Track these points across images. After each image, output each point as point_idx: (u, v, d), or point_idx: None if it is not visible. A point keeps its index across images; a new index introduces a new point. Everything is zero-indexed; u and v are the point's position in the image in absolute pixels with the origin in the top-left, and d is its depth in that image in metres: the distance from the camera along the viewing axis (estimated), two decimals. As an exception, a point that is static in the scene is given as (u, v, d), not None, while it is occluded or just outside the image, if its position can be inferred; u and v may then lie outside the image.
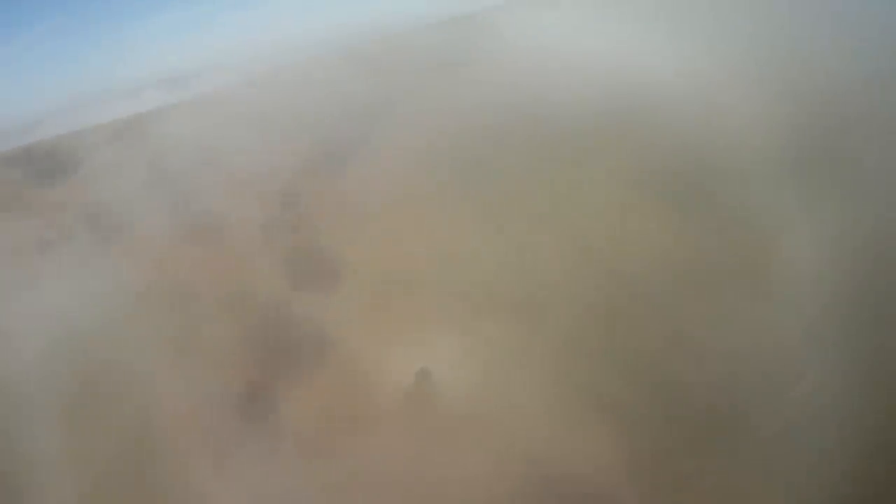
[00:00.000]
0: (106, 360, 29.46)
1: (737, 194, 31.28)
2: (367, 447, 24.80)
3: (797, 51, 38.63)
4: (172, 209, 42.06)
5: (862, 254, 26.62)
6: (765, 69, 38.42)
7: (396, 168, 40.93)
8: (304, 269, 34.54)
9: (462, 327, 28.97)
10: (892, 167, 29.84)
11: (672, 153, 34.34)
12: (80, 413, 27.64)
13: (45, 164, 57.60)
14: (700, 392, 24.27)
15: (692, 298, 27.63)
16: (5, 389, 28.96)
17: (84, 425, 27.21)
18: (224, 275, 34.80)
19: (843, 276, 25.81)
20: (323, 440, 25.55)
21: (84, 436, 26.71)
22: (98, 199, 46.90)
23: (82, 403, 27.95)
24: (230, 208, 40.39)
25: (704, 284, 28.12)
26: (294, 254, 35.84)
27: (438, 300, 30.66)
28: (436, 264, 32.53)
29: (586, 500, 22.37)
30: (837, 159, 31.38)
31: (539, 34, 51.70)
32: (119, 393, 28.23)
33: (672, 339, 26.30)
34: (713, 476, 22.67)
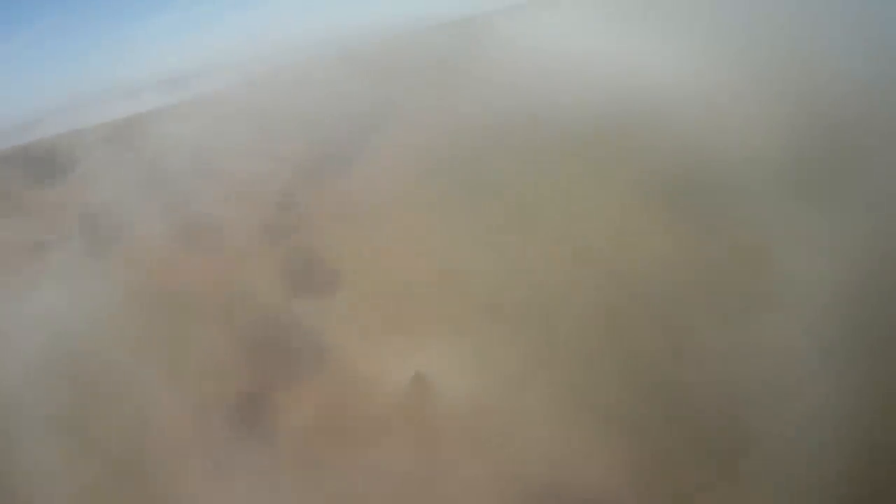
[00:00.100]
0: (99, 364, 29.13)
1: (740, 200, 31.04)
2: (365, 457, 24.51)
3: (801, 54, 38.36)
4: (170, 211, 41.70)
5: (865, 259, 26.37)
6: (768, 72, 38.16)
7: (396, 171, 40.65)
8: (301, 273, 34.24)
9: (462, 333, 28.71)
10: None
11: (675, 157, 34.07)
12: (72, 420, 27.31)
13: (43, 164, 57.23)
14: (703, 401, 24.04)
15: (695, 306, 27.41)
16: (-3, 394, 28.63)
17: (75, 432, 26.88)
18: (221, 278, 34.49)
19: (845, 280, 25.58)
20: (320, 449, 25.27)
21: (75, 443, 26.38)
22: (95, 201, 46.53)
23: (74, 410, 27.63)
24: (228, 211, 40.06)
25: (707, 291, 27.90)
26: (292, 258, 35.53)
27: (438, 306, 30.36)
28: (435, 269, 32.25)
29: (587, 511, 22.16)
30: (840, 163, 31.11)
31: (540, 38, 51.45)
32: (112, 399, 27.92)
33: (675, 347, 26.07)
34: (717, 485, 22.44)
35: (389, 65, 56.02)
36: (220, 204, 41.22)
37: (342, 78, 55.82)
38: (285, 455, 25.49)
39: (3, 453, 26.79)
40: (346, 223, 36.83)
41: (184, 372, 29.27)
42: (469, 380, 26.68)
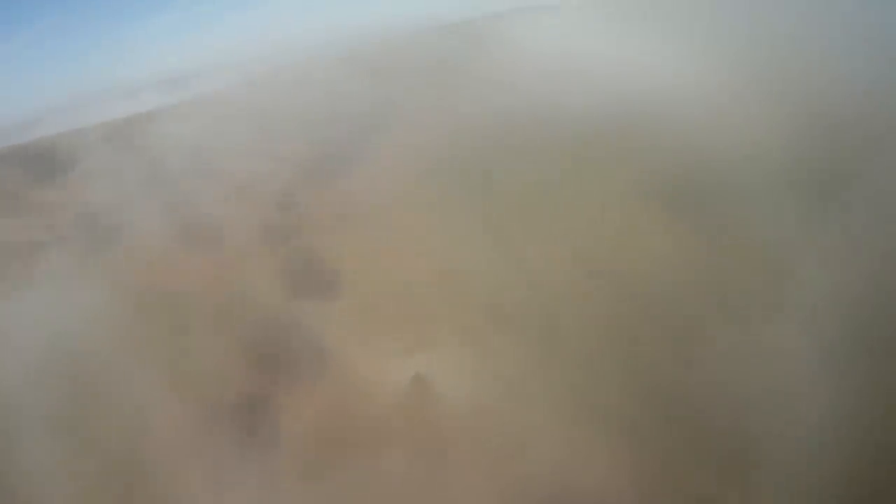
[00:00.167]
0: (97, 365, 28.84)
1: (742, 201, 30.95)
2: (365, 461, 24.30)
3: (801, 54, 38.31)
4: (170, 211, 41.50)
5: (868, 261, 26.25)
6: (768, 73, 38.14)
7: (397, 171, 40.56)
8: (302, 274, 34.04)
9: (464, 336, 28.55)
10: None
11: (676, 158, 33.98)
12: (69, 421, 27.04)
13: (43, 163, 56.94)
14: (706, 405, 23.88)
15: (697, 308, 27.28)
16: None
17: (73, 433, 26.61)
18: (221, 279, 34.27)
19: (848, 282, 25.45)
20: (320, 453, 25.03)
21: (72, 444, 26.10)
22: (95, 200, 46.30)
23: (71, 410, 27.34)
24: (228, 211, 39.88)
25: (709, 294, 27.76)
26: (292, 258, 35.34)
27: (439, 308, 30.19)
28: (436, 270, 32.09)
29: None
30: (842, 164, 31.04)
31: (541, 39, 51.45)
32: (110, 400, 27.64)
33: (677, 350, 25.91)
34: (719, 490, 22.31)
35: (390, 65, 56.01)
36: (220, 204, 41.06)
37: (343, 78, 55.78)
38: (285, 459, 25.26)
39: (1, 454, 26.57)
40: (346, 223, 36.68)
41: (183, 373, 29.03)
42: (471, 382, 26.50)
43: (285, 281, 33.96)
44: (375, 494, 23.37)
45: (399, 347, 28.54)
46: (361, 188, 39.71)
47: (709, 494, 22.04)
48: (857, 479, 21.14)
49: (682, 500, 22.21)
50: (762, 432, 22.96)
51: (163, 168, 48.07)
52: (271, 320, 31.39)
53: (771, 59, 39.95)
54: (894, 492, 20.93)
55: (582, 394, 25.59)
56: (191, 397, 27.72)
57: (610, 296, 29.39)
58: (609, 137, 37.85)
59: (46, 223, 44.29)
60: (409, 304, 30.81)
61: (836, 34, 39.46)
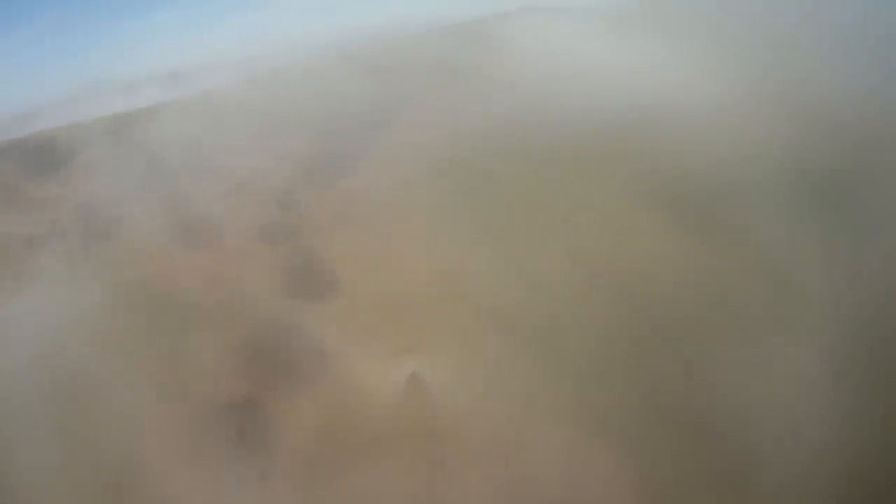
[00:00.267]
0: (90, 364, 28.54)
1: (747, 211, 30.73)
2: (363, 468, 24.02)
3: (808, 63, 38.25)
4: (168, 207, 41.21)
5: (874, 271, 26.07)
6: (774, 80, 38.05)
7: (398, 172, 40.35)
8: (301, 276, 33.76)
9: (466, 342, 28.29)
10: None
11: (681, 166, 33.83)
12: (60, 421, 26.70)
13: (41, 157, 56.57)
14: (713, 421, 23.63)
15: (705, 322, 27.02)
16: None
17: (63, 434, 26.28)
18: (219, 278, 33.97)
19: (858, 297, 25.25)
20: (316, 457, 24.73)
21: (63, 445, 25.77)
22: (93, 195, 45.99)
23: (62, 411, 27.00)
24: (227, 209, 39.56)
25: (718, 309, 27.51)
26: (291, 259, 35.06)
27: (439, 312, 29.94)
28: (436, 273, 31.86)
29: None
30: (847, 172, 30.94)
31: (545, 43, 51.28)
32: (103, 401, 27.32)
33: (685, 366, 25.65)
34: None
35: (392, 65, 55.78)
36: (220, 201, 40.77)
37: (344, 77, 55.55)
38: (280, 461, 24.97)
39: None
40: (346, 223, 36.44)
41: (178, 372, 28.71)
42: (468, 384, 26.27)
43: (284, 280, 33.69)
44: (371, 499, 23.12)
45: (398, 349, 28.30)
46: (362, 187, 39.49)
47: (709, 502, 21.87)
48: (858, 486, 20.97)
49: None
50: (763, 440, 22.79)
51: (162, 163, 47.78)
52: (269, 320, 31.11)
53: (773, 63, 39.91)
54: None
55: (581, 397, 25.39)
56: (185, 397, 27.40)
57: (610, 298, 29.22)
58: (610, 140, 37.75)
59: (44, 217, 43.94)
60: (408, 305, 30.56)
61: (838, 38, 39.45)
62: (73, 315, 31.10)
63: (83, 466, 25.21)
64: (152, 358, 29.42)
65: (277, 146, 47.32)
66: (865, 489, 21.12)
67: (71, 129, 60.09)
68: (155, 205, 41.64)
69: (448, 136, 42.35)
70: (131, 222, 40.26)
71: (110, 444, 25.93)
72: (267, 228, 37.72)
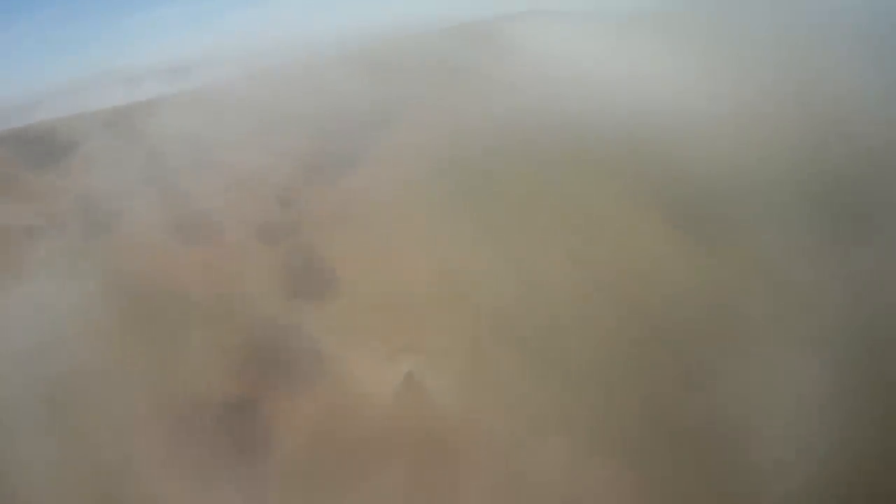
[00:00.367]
0: (84, 361, 28.40)
1: (754, 222, 30.74)
2: (360, 472, 23.99)
3: (816, 70, 38.29)
4: (167, 203, 41.11)
5: (880, 282, 26.03)
6: (781, 87, 38.08)
7: (398, 172, 40.33)
8: (300, 273, 33.69)
9: (464, 345, 28.25)
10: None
11: (687, 175, 33.82)
12: (53, 418, 26.56)
13: (41, 147, 56.39)
14: (714, 430, 23.60)
15: (710, 336, 26.95)
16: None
17: (57, 431, 26.13)
18: (216, 275, 33.86)
19: (862, 305, 25.20)
20: (313, 463, 24.65)
21: (56, 442, 25.59)
22: (92, 187, 45.83)
23: (56, 409, 26.81)
24: (227, 206, 39.45)
25: (723, 322, 27.42)
26: (291, 257, 35.02)
27: (438, 314, 29.91)
28: (437, 277, 31.80)
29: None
30: (853, 180, 30.95)
31: (550, 46, 51.33)
32: (96, 399, 27.18)
33: (688, 380, 25.58)
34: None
35: (394, 64, 55.75)
36: (220, 197, 40.68)
37: (346, 75, 55.47)
38: (275, 466, 24.87)
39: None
40: (347, 222, 36.38)
41: (172, 371, 28.59)
42: (470, 390, 26.22)
43: (283, 279, 33.59)
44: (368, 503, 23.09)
45: (397, 349, 28.28)
46: (362, 186, 39.45)
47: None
48: (862, 495, 20.96)
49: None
50: (764, 447, 22.79)
51: (162, 157, 47.68)
52: (267, 319, 31.00)
53: (777, 68, 39.96)
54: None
55: (580, 399, 25.41)
56: (180, 394, 27.30)
57: (610, 300, 29.24)
58: (612, 143, 37.80)
59: (43, 208, 43.79)
60: (408, 305, 30.51)
61: (845, 42, 39.50)
62: (71, 307, 30.98)
63: (75, 462, 25.08)
64: (148, 353, 29.32)
65: (277, 143, 47.24)
66: (869, 498, 21.12)
67: (71, 121, 59.89)
68: (154, 199, 41.55)
69: (449, 137, 42.36)
70: (131, 215, 40.15)
71: (102, 440, 25.79)
72: (266, 226, 37.65)
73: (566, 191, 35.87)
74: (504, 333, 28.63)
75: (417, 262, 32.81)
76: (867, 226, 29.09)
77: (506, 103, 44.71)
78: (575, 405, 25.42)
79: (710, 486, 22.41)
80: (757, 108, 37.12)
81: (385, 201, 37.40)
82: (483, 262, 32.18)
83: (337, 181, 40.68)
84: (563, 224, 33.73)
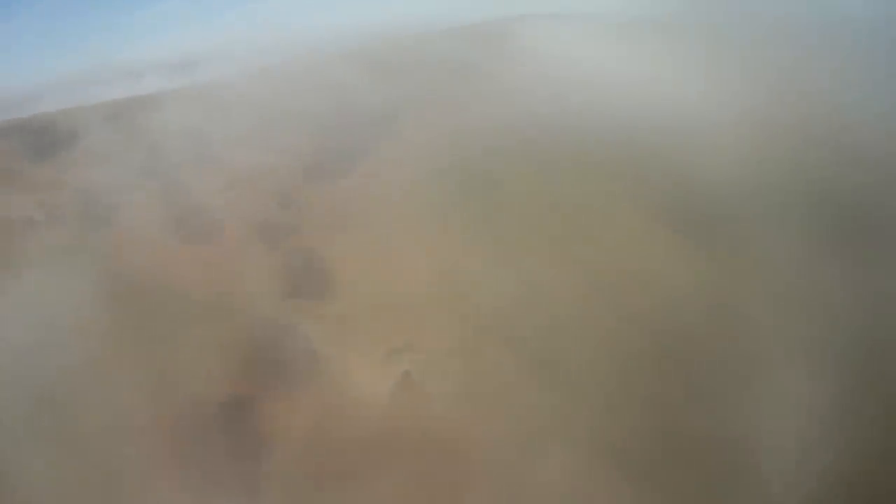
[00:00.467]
0: (82, 356, 28.30)
1: (757, 230, 30.66)
2: (357, 474, 23.92)
3: (822, 80, 38.25)
4: (167, 198, 41.03)
5: (886, 293, 25.91)
6: (786, 95, 38.01)
7: (399, 173, 40.26)
8: (298, 275, 33.59)
9: (463, 346, 28.19)
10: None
11: (691, 181, 33.72)
12: (46, 417, 26.39)
13: (41, 139, 56.28)
14: (718, 449, 23.47)
15: (707, 337, 26.92)
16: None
17: (51, 431, 25.95)
18: (214, 274, 33.78)
19: (869, 322, 25.06)
20: (309, 465, 24.58)
21: (51, 441, 25.43)
22: (91, 181, 45.73)
23: (51, 408, 26.67)
24: (226, 204, 39.37)
25: (725, 335, 27.27)
26: (290, 258, 34.91)
27: (438, 316, 29.84)
28: (437, 278, 31.72)
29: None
30: (858, 190, 30.91)
31: (554, 48, 51.24)
32: (90, 397, 27.05)
33: (689, 392, 25.46)
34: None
35: (397, 64, 55.67)
36: (220, 194, 40.60)
37: (348, 75, 55.37)
38: (272, 466, 24.79)
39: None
40: (347, 222, 36.29)
41: (168, 369, 28.49)
42: (470, 392, 26.16)
43: (282, 278, 33.50)
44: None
45: (397, 350, 28.23)
46: (363, 187, 39.37)
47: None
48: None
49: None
50: (766, 459, 22.72)
51: (163, 153, 47.58)
52: (266, 318, 30.89)
53: (785, 74, 39.93)
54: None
55: (580, 400, 25.37)
56: (176, 392, 27.21)
57: (610, 303, 29.18)
58: (614, 146, 37.72)
59: (42, 201, 43.69)
60: (407, 305, 30.49)
61: (851, 50, 39.46)
62: (69, 301, 30.92)
63: (71, 460, 24.97)
64: (145, 350, 29.26)
65: (278, 140, 47.14)
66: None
67: (72, 113, 59.74)
68: (154, 194, 41.48)
69: (449, 137, 42.30)
70: (130, 210, 40.08)
71: (98, 437, 25.71)
72: (266, 225, 37.58)
73: (567, 192, 35.81)
74: (503, 334, 28.56)
75: (417, 263, 32.74)
76: (869, 232, 29.04)
77: (507, 104, 44.64)
78: (574, 407, 25.37)
79: (711, 492, 22.36)
80: (759, 113, 37.07)
81: (385, 201, 37.33)
82: (482, 262, 32.11)
83: (337, 181, 40.60)
84: (563, 226, 33.68)
